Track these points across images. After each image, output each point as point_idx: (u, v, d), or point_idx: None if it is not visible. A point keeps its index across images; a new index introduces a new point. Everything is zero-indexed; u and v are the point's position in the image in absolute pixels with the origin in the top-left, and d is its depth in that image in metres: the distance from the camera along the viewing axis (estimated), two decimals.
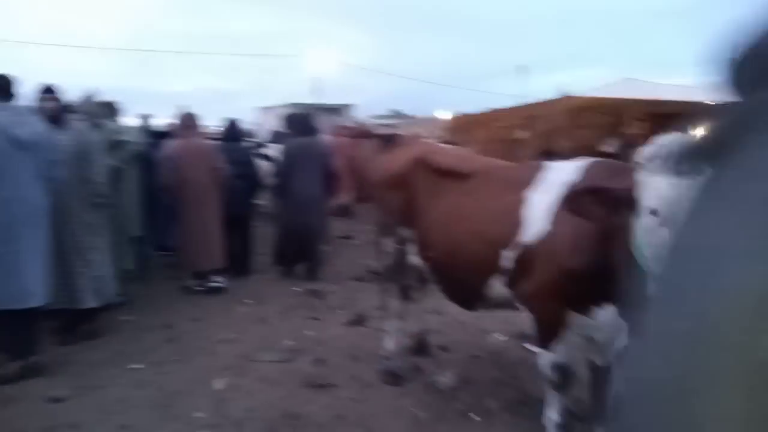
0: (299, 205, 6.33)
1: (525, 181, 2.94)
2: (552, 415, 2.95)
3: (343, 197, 11.45)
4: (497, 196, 3.02)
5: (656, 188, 2.12)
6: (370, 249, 7.81)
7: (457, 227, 3.18)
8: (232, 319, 5.19)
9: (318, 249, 6.70)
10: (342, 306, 5.53)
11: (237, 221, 6.38)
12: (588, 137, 14.25)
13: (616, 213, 2.29)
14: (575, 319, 2.73)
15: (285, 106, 29.36)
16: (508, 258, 2.88)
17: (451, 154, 3.61)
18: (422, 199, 3.48)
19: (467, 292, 3.33)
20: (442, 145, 3.96)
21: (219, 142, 6.63)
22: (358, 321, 5.01)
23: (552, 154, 11.22)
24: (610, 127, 13.79)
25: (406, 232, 3.68)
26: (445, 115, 19.62)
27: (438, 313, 5.07)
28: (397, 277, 3.91)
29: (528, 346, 4.09)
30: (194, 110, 6.32)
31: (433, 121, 18.25)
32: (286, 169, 6.41)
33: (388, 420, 3.33)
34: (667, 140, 2.17)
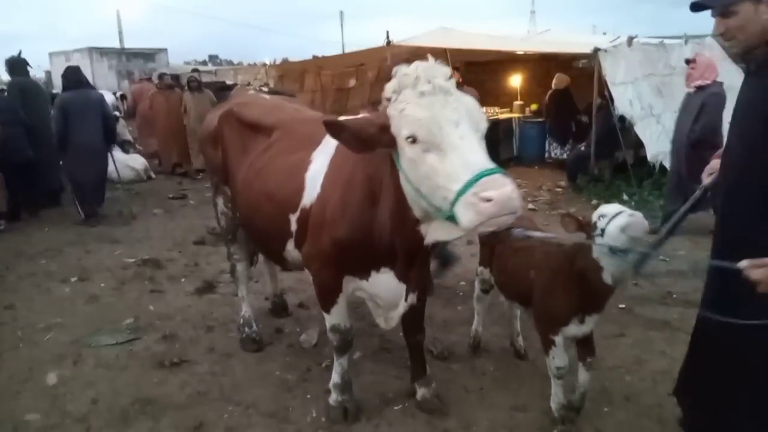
0: (80, 153, 6.74)
1: (316, 139, 2.73)
2: (333, 375, 2.94)
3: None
4: (289, 155, 2.85)
5: (408, 114, 1.97)
6: (207, 209, 7.44)
7: (254, 187, 3.01)
8: (55, 302, 4.55)
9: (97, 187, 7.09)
10: (185, 274, 5.15)
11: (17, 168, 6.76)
12: None
13: (365, 146, 2.12)
14: (352, 283, 2.66)
15: (82, 50, 25.83)
16: (294, 222, 2.76)
17: (261, 105, 3.37)
18: (231, 155, 3.29)
19: (272, 254, 3.23)
20: (265, 96, 3.73)
21: None
22: (206, 288, 4.71)
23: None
24: None
25: (229, 191, 3.48)
26: (271, 61, 18.86)
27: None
28: (238, 239, 3.72)
29: None
30: None
31: (257, 68, 17.41)
32: (62, 120, 6.71)
33: (254, 388, 3.22)
34: (409, 69, 2.07)
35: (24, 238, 6.35)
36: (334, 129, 2.09)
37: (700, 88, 5.69)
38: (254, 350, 3.64)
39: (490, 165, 1.86)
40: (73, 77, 7.09)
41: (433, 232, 2.26)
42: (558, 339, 2.69)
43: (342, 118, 2.37)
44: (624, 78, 7.62)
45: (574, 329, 2.66)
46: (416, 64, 2.06)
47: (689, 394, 2.62)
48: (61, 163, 7.17)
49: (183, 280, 5.00)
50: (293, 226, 2.76)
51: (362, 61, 12.65)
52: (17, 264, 5.45)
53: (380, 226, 2.38)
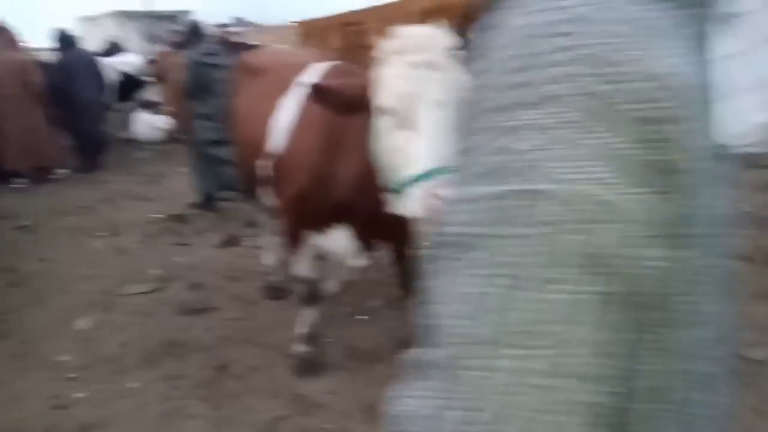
0: (78, 108, 7.31)
1: (290, 83, 2.61)
2: (299, 327, 2.93)
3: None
4: (263, 100, 2.76)
5: (391, 84, 1.86)
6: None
7: (238, 132, 3.04)
8: (86, 255, 4.70)
9: (98, 143, 7.83)
10: (210, 228, 5.24)
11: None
12: None
13: (348, 112, 2.06)
14: (313, 237, 2.59)
15: (110, 14, 25.79)
16: (263, 169, 2.71)
17: (265, 53, 3.34)
18: (234, 102, 3.27)
19: (252, 199, 3.25)
20: (282, 46, 3.71)
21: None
22: (231, 242, 4.79)
23: None
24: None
25: None
26: (296, 22, 18.60)
27: None
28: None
29: None
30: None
31: (283, 28, 17.18)
32: (61, 79, 7.23)
33: (276, 333, 3.29)
34: (412, 32, 1.91)
35: (55, 195, 6.54)
36: (322, 96, 2.06)
37: None
38: (276, 298, 3.70)
39: (434, 165, 1.72)
40: (66, 39, 7.69)
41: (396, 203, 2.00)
42: None
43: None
44: None
45: None
46: (413, 28, 1.92)
47: None
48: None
49: (208, 234, 5.09)
50: (261, 173, 2.74)
51: (388, 14, 12.36)
52: (50, 220, 5.62)
53: (341, 181, 2.31)
